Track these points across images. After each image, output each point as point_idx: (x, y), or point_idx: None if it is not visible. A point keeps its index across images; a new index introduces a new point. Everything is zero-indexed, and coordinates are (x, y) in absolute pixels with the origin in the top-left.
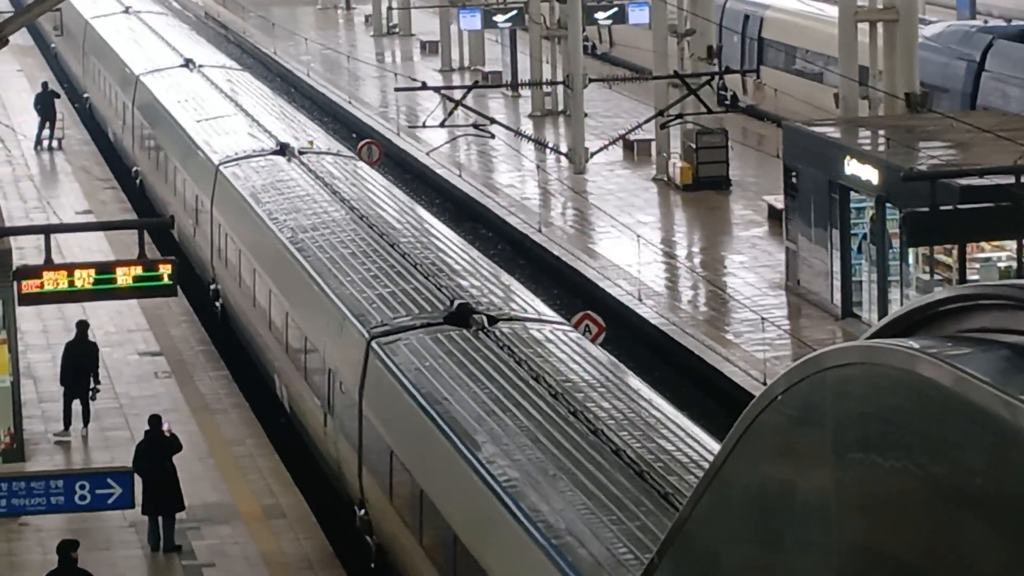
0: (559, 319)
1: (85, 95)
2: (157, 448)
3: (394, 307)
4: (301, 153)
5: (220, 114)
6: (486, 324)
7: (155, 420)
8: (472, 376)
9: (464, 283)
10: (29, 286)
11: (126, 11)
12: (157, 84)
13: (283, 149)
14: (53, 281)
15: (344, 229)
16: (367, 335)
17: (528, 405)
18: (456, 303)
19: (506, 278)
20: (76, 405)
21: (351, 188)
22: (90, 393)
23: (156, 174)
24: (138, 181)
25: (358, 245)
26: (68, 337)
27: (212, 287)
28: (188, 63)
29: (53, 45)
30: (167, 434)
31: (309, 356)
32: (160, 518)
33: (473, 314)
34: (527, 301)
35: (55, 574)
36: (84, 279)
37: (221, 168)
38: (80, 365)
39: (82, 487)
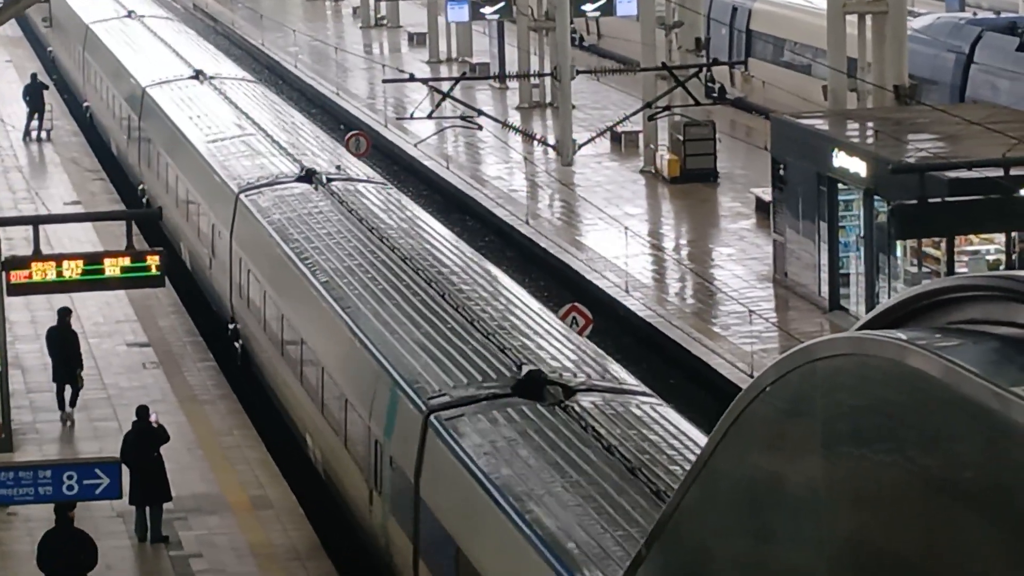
0: (647, 390)
1: (85, 103)
2: (144, 439)
3: (453, 373)
4: (329, 180)
5: (237, 133)
6: (562, 396)
7: (142, 411)
8: (549, 459)
9: (532, 344)
10: (18, 276)
11: (128, 15)
12: (166, 97)
13: (309, 175)
14: (41, 272)
15: (385, 273)
16: (425, 407)
17: (613, 491)
18: (525, 369)
19: (580, 340)
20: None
21: (388, 222)
22: (76, 379)
23: (166, 197)
24: (145, 200)
25: (403, 294)
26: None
27: (231, 326)
28: (199, 75)
29: (50, 50)
30: (155, 425)
31: (351, 422)
32: (148, 508)
33: (547, 384)
34: (607, 367)
35: (52, 533)
36: (72, 270)
37: (242, 197)
38: (62, 351)
39: (70, 477)
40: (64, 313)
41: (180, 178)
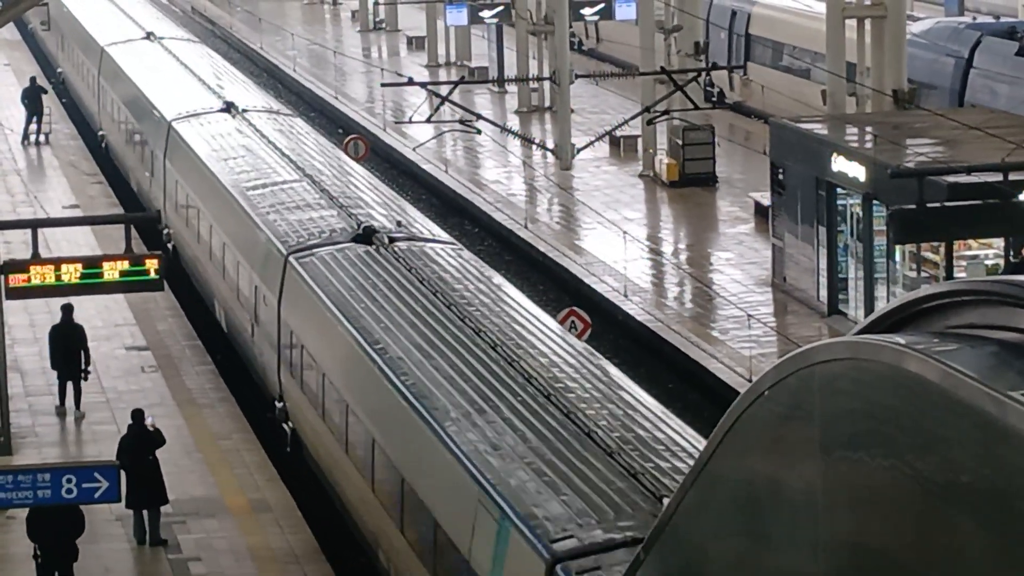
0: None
1: (100, 132)
2: (140, 442)
3: (580, 507)
4: (392, 240)
5: (280, 180)
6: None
7: (138, 414)
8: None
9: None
10: (16, 280)
11: (147, 37)
12: (194, 133)
13: (368, 234)
14: (40, 275)
15: (470, 360)
16: (548, 555)
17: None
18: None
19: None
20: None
21: (466, 294)
22: (82, 374)
23: (197, 247)
24: (170, 245)
25: (497, 390)
26: None
27: (278, 404)
28: (230, 107)
29: (60, 70)
30: (151, 428)
31: (443, 555)
32: (145, 512)
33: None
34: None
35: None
36: (71, 273)
37: (291, 260)
38: (67, 348)
39: (69, 480)
40: (67, 309)
41: (215, 229)
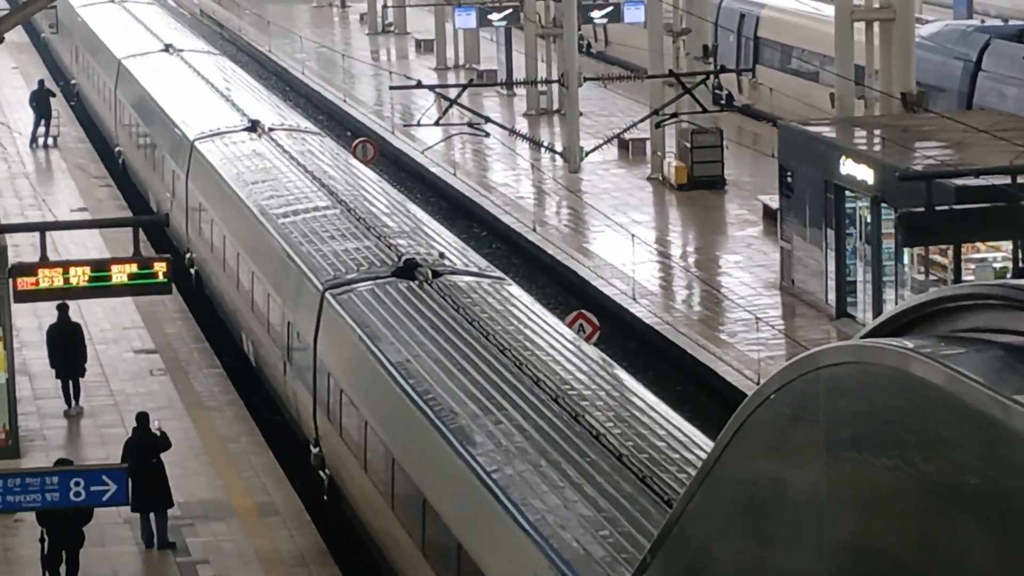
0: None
1: (117, 148)
2: (145, 445)
3: None
4: (436, 275)
5: (311, 207)
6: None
7: (143, 417)
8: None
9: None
10: (24, 283)
11: (166, 49)
12: (219, 154)
13: (410, 268)
14: (48, 278)
15: (525, 409)
16: None
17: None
18: None
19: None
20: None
21: (518, 337)
22: (81, 371)
23: (224, 276)
24: (193, 270)
25: (558, 444)
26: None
27: (314, 450)
28: (255, 126)
29: (75, 82)
30: (157, 432)
31: None
32: (152, 515)
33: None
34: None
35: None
36: (79, 276)
37: (328, 296)
38: (66, 347)
39: (77, 483)
40: (63, 308)
41: (243, 257)
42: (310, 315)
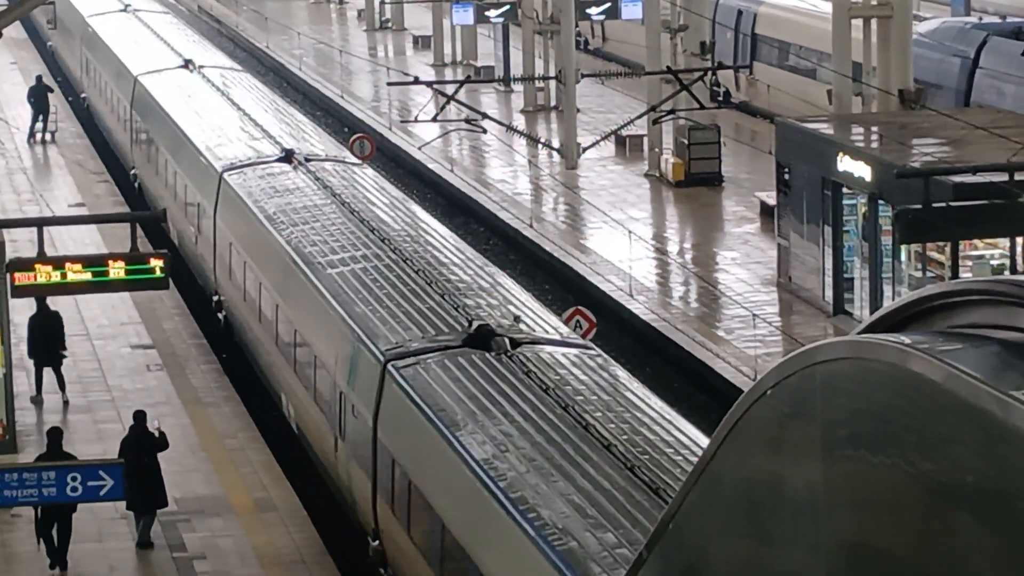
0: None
1: (133, 171)
2: (142, 444)
3: None
4: (515, 344)
5: (360, 253)
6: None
7: (140, 415)
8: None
9: None
10: (22, 278)
11: (186, 65)
12: (250, 188)
13: (482, 336)
14: (46, 274)
15: (642, 519)
16: None
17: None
18: None
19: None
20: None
21: (623, 426)
22: (58, 362)
23: (260, 329)
24: (221, 315)
25: None
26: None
27: (374, 544)
28: (289, 156)
29: (84, 96)
30: (156, 432)
31: None
32: (144, 513)
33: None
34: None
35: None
36: (76, 272)
37: (391, 368)
38: (46, 337)
39: (74, 479)
40: (41, 297)
41: (283, 312)
42: (369, 388)
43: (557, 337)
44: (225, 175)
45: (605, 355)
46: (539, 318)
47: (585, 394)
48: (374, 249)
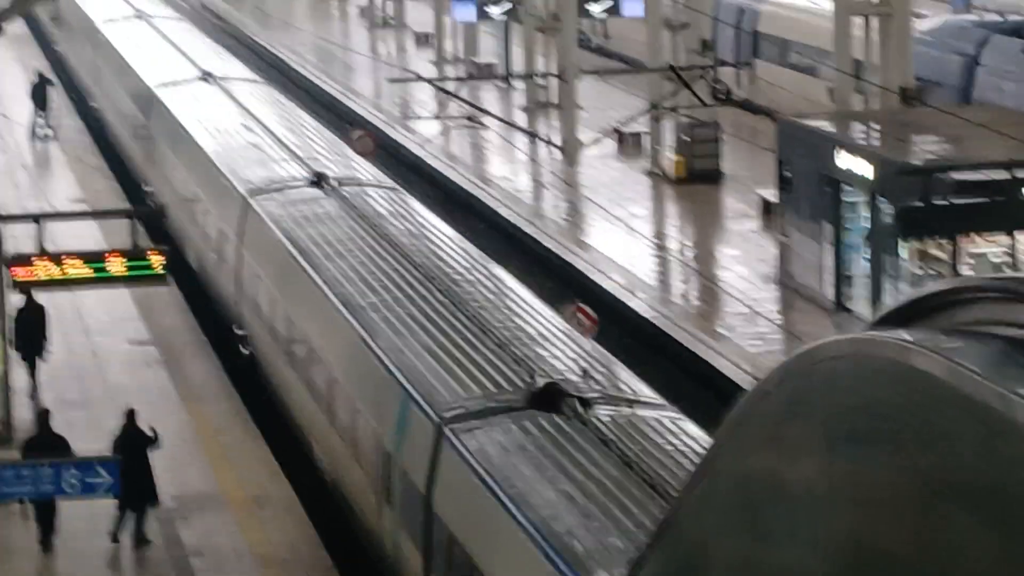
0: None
1: (148, 188)
2: (133, 442)
3: None
4: (586, 405)
5: (405, 294)
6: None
7: (131, 414)
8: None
9: None
10: (21, 273)
11: (205, 78)
12: (278, 215)
13: (549, 396)
14: (45, 269)
15: None
16: None
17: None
18: None
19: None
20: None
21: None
22: (42, 354)
23: (290, 372)
24: (245, 350)
25: None
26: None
27: None
28: (320, 180)
29: (95, 105)
30: (150, 432)
31: None
32: (134, 512)
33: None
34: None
35: (34, 439)
36: (76, 267)
37: (448, 431)
38: (31, 330)
39: (71, 475)
40: (28, 293)
41: (317, 357)
42: (422, 452)
43: (631, 395)
44: (251, 200)
45: (685, 417)
46: (608, 372)
47: (672, 468)
48: (419, 289)
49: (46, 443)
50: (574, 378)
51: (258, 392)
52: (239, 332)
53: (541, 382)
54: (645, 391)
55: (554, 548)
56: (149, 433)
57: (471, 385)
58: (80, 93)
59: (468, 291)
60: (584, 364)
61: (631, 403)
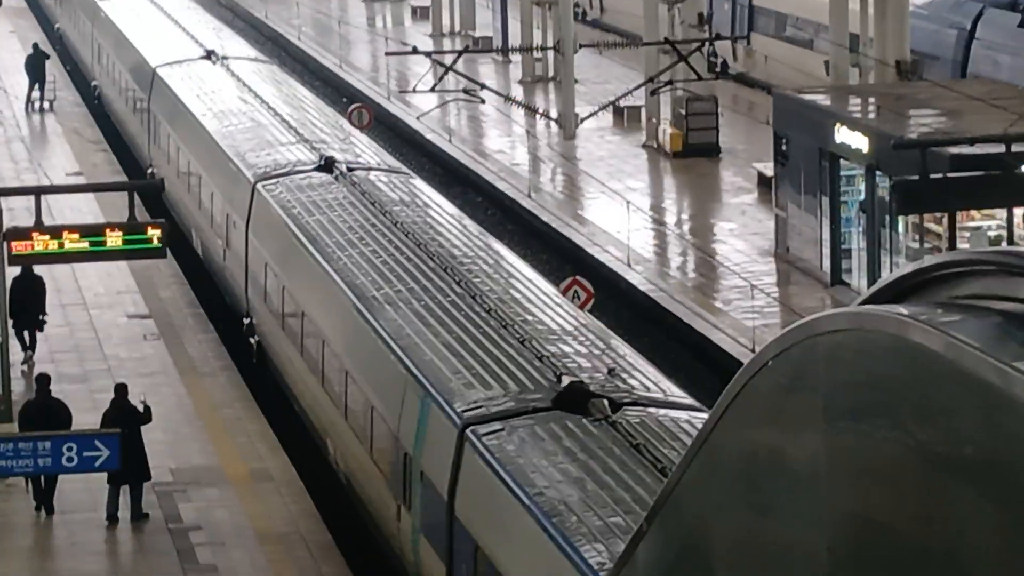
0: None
1: (150, 169)
2: (123, 416)
3: None
4: (616, 407)
5: (423, 285)
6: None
7: (121, 388)
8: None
9: None
10: (19, 247)
11: (208, 56)
12: (287, 202)
13: (576, 396)
14: (43, 242)
15: None
16: None
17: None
18: None
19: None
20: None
21: None
22: (39, 324)
23: (304, 366)
24: (253, 339)
25: None
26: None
27: None
28: (330, 165)
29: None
30: (142, 405)
31: None
32: (129, 487)
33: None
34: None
35: (32, 402)
36: (74, 241)
37: (472, 436)
38: (24, 298)
39: (69, 449)
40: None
41: (331, 348)
42: (443, 455)
43: (661, 396)
44: (259, 185)
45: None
46: (636, 371)
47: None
48: (436, 281)
49: (45, 407)
50: (600, 377)
51: (268, 384)
52: (246, 320)
53: (566, 381)
54: (675, 391)
55: (581, 557)
56: (140, 408)
57: (493, 384)
58: (77, 66)
59: (487, 283)
60: (610, 362)
61: (661, 404)
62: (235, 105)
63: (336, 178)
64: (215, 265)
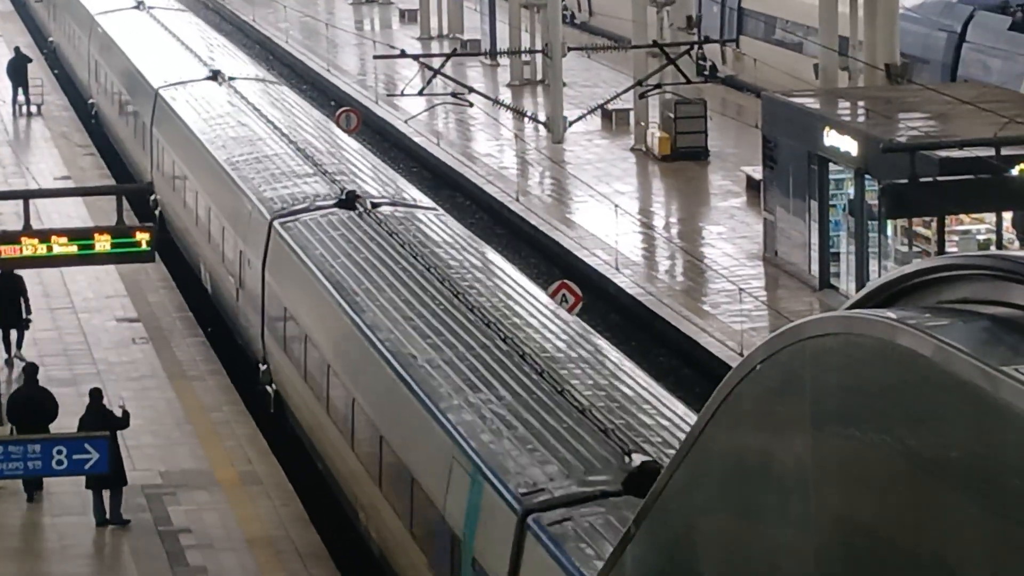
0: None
1: (154, 197)
2: (99, 421)
3: None
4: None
5: (464, 342)
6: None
7: (96, 393)
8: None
9: None
10: (7, 251)
11: (214, 77)
12: (308, 243)
13: (648, 477)
14: (32, 247)
15: None
16: None
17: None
18: None
19: None
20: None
21: None
22: (23, 324)
23: (331, 426)
24: (271, 388)
25: None
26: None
27: None
28: (352, 201)
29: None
30: (120, 411)
31: None
32: (107, 492)
33: None
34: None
35: (19, 391)
36: (62, 245)
37: (535, 526)
38: (8, 298)
39: (59, 452)
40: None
41: (362, 407)
42: (501, 544)
43: None
44: (276, 223)
45: None
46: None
47: None
48: (479, 338)
49: (32, 397)
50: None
51: (290, 446)
52: (262, 367)
53: (637, 460)
54: None
55: None
56: (119, 413)
57: (553, 461)
58: (64, 70)
59: (535, 340)
60: (682, 434)
61: None
62: (245, 131)
63: (360, 216)
64: (226, 303)
